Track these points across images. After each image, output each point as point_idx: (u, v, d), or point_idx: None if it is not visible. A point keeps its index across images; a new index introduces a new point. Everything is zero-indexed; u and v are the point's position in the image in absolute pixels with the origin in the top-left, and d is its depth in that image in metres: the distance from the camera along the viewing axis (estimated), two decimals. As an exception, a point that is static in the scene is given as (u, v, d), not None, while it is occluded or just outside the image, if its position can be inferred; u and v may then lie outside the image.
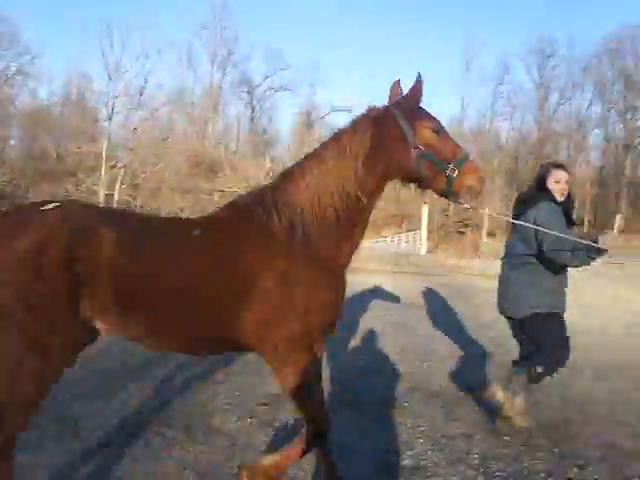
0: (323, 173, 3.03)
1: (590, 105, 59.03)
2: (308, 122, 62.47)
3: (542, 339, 4.28)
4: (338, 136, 3.11)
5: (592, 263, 4.11)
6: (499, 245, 25.46)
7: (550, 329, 4.29)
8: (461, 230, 42.89)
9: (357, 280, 13.70)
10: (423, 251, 24.49)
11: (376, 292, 11.65)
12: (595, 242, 3.89)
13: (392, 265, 18.86)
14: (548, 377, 4.33)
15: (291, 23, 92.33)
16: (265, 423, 4.37)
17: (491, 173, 49.26)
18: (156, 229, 3.00)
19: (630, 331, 8.61)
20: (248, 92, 62.28)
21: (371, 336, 7.52)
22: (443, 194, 3.14)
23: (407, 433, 4.32)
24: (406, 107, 3.06)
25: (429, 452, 3.97)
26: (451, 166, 3.00)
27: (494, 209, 41.69)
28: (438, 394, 5.30)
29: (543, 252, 4.19)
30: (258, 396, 4.94)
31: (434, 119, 3.08)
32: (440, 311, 9.47)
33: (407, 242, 33.86)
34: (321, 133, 47.82)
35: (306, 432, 3.04)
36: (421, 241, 25.48)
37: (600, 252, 3.96)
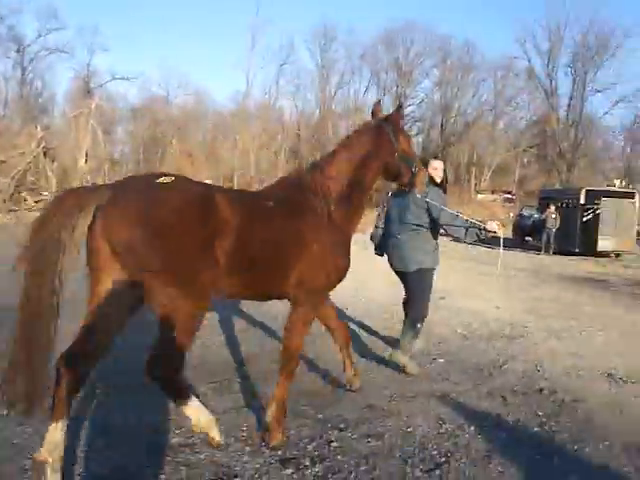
0: (345, 165, 4.11)
1: (367, 90, 62.95)
2: (86, 89, 58.64)
3: (419, 289, 5.54)
4: (350, 139, 4.30)
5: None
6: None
7: (426, 279, 5.54)
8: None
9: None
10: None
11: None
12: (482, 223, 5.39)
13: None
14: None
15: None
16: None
17: (275, 149, 50.53)
18: (247, 198, 3.91)
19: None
20: (18, 51, 56.72)
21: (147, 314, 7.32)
22: (405, 185, 4.43)
23: (177, 411, 4.28)
24: (392, 123, 4.28)
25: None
26: (414, 165, 4.32)
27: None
28: (213, 369, 5.31)
29: (437, 224, 5.48)
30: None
31: (407, 133, 4.48)
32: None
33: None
34: (100, 101, 45.25)
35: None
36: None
37: (487, 231, 5.36)
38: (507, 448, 3.90)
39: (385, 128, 4.23)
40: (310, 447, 3.78)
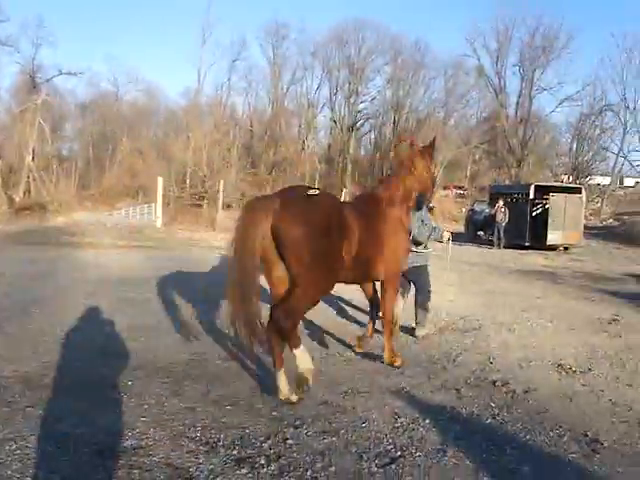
0: (404, 182, 5.62)
1: (319, 87, 62.96)
2: (32, 84, 57.05)
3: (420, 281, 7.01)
4: (403, 163, 5.78)
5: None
6: (234, 217, 26.04)
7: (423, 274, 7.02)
8: (198, 203, 42.92)
9: (89, 255, 12.99)
10: (159, 224, 23.96)
11: (106, 268, 11.15)
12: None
13: (127, 240, 18.16)
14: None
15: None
16: None
17: (228, 146, 50.07)
18: (356, 208, 5.14)
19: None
20: (-43, 44, 54.77)
21: (97, 313, 7.16)
22: (427, 200, 6.34)
23: (129, 413, 4.18)
24: (429, 151, 5.87)
25: (151, 430, 3.88)
26: (436, 185, 6.86)
27: (231, 182, 42.53)
28: (164, 369, 5.22)
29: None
30: None
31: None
32: (173, 285, 9.36)
33: (142, 215, 32.92)
34: (47, 96, 44.07)
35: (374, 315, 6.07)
36: (157, 214, 24.90)
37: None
38: (461, 440, 3.93)
39: (427, 154, 5.79)
40: (265, 445, 3.73)
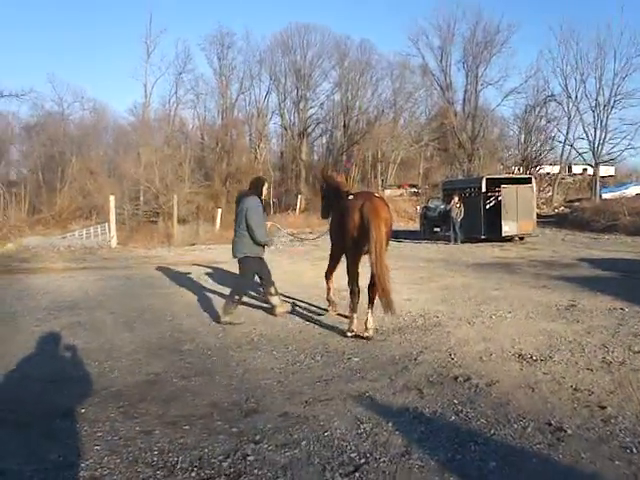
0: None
1: (268, 95, 62.88)
2: (-28, 109, 55.61)
3: (245, 269, 7.90)
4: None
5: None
6: (190, 232, 25.76)
7: (251, 263, 7.85)
8: (153, 219, 42.33)
9: (40, 280, 12.60)
10: (114, 244, 23.46)
11: (59, 292, 10.82)
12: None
13: (80, 262, 17.69)
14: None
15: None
16: None
17: (180, 160, 49.54)
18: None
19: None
20: None
21: (48, 339, 6.90)
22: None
23: (82, 442, 3.99)
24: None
25: (105, 458, 3.70)
26: None
27: (185, 196, 42.02)
28: (119, 393, 5.01)
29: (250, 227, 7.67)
30: None
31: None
32: (125, 305, 9.13)
33: (97, 236, 32.26)
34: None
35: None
36: (111, 234, 24.38)
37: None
38: (426, 441, 3.87)
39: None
40: (225, 464, 3.60)
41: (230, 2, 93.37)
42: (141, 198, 47.16)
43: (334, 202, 7.78)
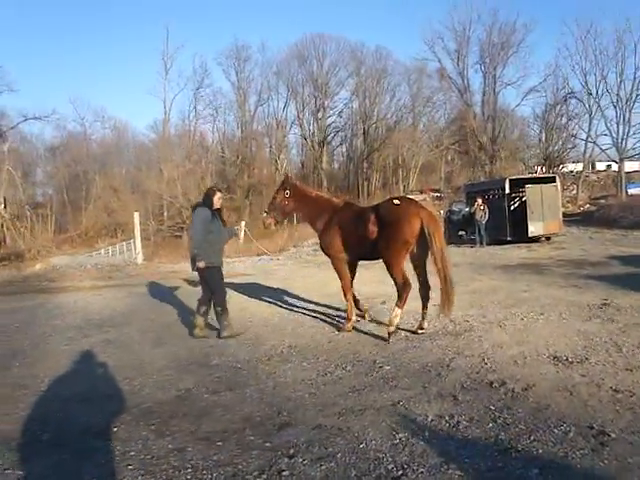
0: None
1: (286, 106, 63.14)
2: (-2, 132, 56.62)
3: (212, 282, 7.83)
4: None
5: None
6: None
7: (215, 274, 7.80)
8: (178, 234, 42.62)
9: (69, 299, 12.70)
10: (140, 260, 23.62)
11: (87, 310, 10.89)
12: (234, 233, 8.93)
13: (107, 280, 17.83)
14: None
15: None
16: None
17: (201, 174, 49.87)
18: None
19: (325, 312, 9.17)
20: None
21: (79, 358, 6.92)
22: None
23: (115, 462, 3.96)
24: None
25: (139, 478, 3.67)
26: None
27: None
28: (150, 410, 4.98)
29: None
30: None
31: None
32: (154, 322, 9.14)
33: (122, 253, 32.51)
34: (14, 143, 43.60)
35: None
36: (137, 250, 24.55)
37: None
38: (464, 449, 3.77)
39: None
40: (260, 480, 3.54)
41: (245, 16, 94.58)
42: (165, 213, 47.54)
43: (316, 211, 8.03)
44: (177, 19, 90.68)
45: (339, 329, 7.70)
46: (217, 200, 7.99)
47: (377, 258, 7.44)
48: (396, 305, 7.01)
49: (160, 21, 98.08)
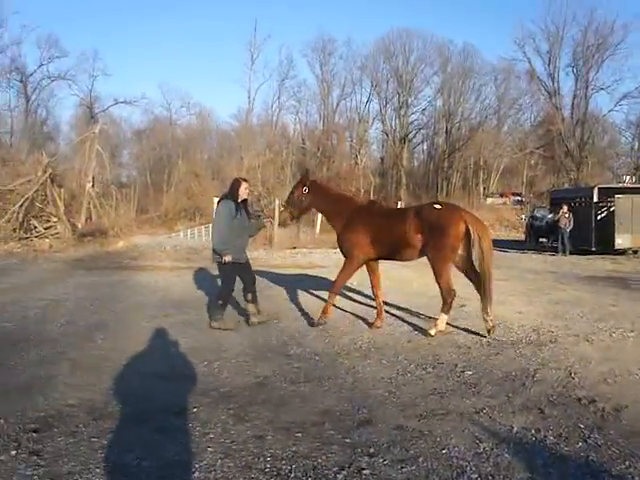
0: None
1: (369, 101, 62.91)
2: (90, 114, 58.97)
3: (222, 275, 8.01)
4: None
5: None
6: (290, 235, 26.02)
7: (226, 269, 7.71)
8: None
9: (149, 278, 13.07)
10: (216, 245, 24.07)
11: (167, 290, 11.16)
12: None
13: (186, 261, 18.28)
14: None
15: (66, 7, 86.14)
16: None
17: (281, 164, 50.34)
18: None
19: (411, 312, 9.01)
20: (21, 81, 57.17)
21: (158, 336, 7.08)
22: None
23: (196, 442, 4.00)
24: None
25: (219, 461, 3.67)
26: None
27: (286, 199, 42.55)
28: (229, 395, 5.02)
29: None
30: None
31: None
32: (232, 306, 9.26)
33: (200, 236, 33.25)
34: (104, 125, 45.24)
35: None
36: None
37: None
38: (552, 467, 3.59)
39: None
40: (340, 476, 3.47)
41: (332, 9, 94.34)
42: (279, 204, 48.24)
43: (336, 209, 7.93)
44: (265, 11, 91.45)
45: (313, 324, 7.78)
46: (243, 191, 7.73)
47: (405, 259, 7.71)
48: (441, 311, 7.23)
49: (249, 12, 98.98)
